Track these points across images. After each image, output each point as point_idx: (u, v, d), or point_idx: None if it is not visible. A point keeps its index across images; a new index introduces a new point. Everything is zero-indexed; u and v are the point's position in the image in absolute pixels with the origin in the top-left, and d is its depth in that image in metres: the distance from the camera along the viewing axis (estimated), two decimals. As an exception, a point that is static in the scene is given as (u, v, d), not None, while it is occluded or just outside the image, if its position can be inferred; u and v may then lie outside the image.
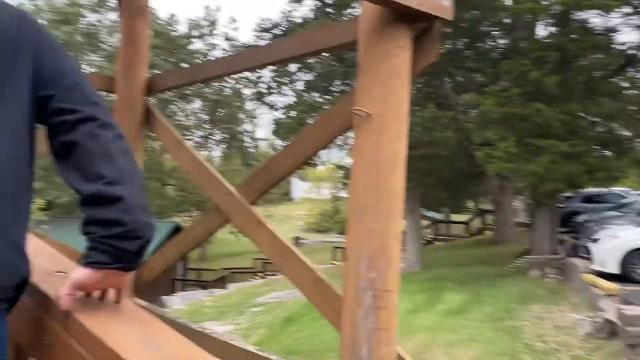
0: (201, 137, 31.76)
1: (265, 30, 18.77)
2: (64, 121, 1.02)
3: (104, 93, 4.93)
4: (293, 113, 16.55)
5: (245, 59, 3.77)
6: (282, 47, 3.47)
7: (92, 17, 27.70)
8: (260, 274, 26.12)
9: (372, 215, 2.47)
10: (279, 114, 18.71)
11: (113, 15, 25.48)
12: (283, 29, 18.11)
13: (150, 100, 4.72)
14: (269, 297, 16.38)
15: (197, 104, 29.98)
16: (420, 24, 2.58)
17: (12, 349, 1.06)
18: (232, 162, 34.92)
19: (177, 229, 23.31)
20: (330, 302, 2.78)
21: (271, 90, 19.51)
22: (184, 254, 4.24)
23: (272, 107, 19.58)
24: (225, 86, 28.45)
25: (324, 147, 3.16)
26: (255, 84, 20.58)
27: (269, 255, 3.30)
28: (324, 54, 13.26)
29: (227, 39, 27.62)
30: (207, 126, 31.17)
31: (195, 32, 27.65)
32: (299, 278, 3.08)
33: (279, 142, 22.34)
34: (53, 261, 1.12)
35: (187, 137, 30.87)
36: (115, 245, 0.95)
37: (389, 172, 2.48)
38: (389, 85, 2.49)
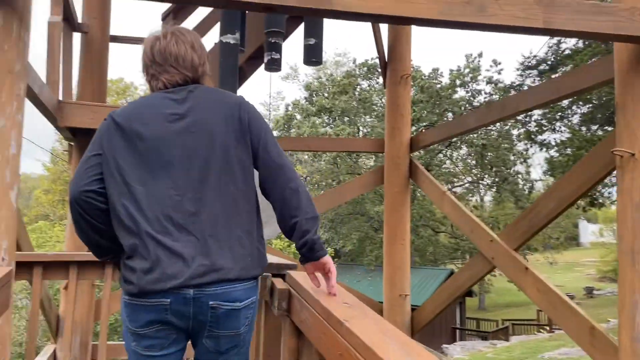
0: (470, 182, 31.61)
1: (530, 67, 18.09)
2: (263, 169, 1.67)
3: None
4: (568, 150, 15.32)
5: (500, 108, 3.91)
6: (534, 93, 3.51)
7: (364, 84, 30.97)
8: (545, 328, 23.98)
9: (646, 260, 2.30)
10: (552, 152, 17.51)
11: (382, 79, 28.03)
12: (550, 63, 17.18)
13: (417, 154, 5.19)
14: (556, 352, 14.96)
15: (463, 150, 30.14)
16: (687, 52, 2.37)
17: (318, 358, 1.47)
18: (505, 206, 33.55)
19: (451, 276, 23.43)
20: (607, 353, 2.63)
21: (543, 128, 18.47)
22: (454, 300, 4.45)
23: (544, 145, 18.45)
24: (491, 129, 28.02)
25: (589, 190, 3.04)
26: (524, 123, 19.79)
27: (537, 303, 3.27)
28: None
29: (490, 82, 27.39)
30: (475, 171, 30.93)
31: (457, 82, 28.24)
32: (571, 327, 2.98)
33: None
34: (342, 296, 1.52)
35: (456, 184, 31.19)
36: (308, 252, 1.60)
37: (662, 214, 2.30)
38: (654, 122, 2.34)
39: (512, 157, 29.86)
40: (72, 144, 4.91)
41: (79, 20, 4.84)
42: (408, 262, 5.13)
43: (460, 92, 29.06)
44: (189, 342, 1.69)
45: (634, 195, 2.38)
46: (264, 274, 1.85)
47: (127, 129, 1.61)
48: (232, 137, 1.63)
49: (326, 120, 30.84)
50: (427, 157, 28.30)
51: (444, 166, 29.53)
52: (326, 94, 31.40)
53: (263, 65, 4.08)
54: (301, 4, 2.03)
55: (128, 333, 1.63)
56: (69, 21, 4.53)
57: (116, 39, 5.39)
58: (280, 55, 3.73)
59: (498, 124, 27.24)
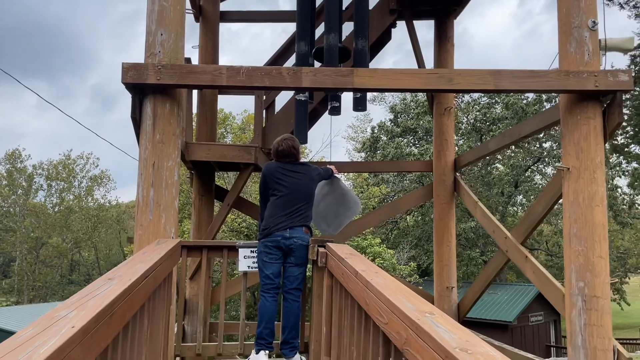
0: (563, 198, 30.85)
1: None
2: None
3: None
4: (651, 162, 15.19)
5: (509, 135, 4.99)
6: (529, 123, 4.59)
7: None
8: (647, 346, 22.93)
9: (576, 240, 3.38)
10: (635, 164, 17.30)
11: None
12: (633, 76, 17.11)
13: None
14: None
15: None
16: (608, 97, 3.43)
17: (340, 286, 2.77)
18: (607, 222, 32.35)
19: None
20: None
21: (628, 141, 18.28)
22: (485, 287, 5.48)
23: (631, 157, 18.21)
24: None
25: (559, 198, 4.04)
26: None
27: (532, 280, 4.33)
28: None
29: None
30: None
31: (544, 96, 28.10)
32: (552, 295, 4.03)
33: (649, 196, 20.13)
34: (351, 251, 2.82)
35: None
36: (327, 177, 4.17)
37: (587, 208, 3.37)
38: (581, 145, 3.44)
39: (607, 172, 28.88)
40: (193, 172, 6.60)
41: (197, 81, 6.55)
42: (454, 260, 6.23)
43: (548, 106, 28.80)
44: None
45: (570, 196, 3.45)
46: (312, 245, 3.21)
47: (271, 173, 3.82)
48: (309, 181, 3.82)
49: (411, 141, 31.72)
50: (514, 174, 28.27)
51: (533, 182, 29.24)
52: (411, 115, 32.31)
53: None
54: (336, 85, 3.41)
55: (261, 251, 3.69)
56: (190, 83, 6.22)
57: (223, 91, 7.07)
58: (340, 103, 5.11)
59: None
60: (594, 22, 3.52)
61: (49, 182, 45.15)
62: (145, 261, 2.36)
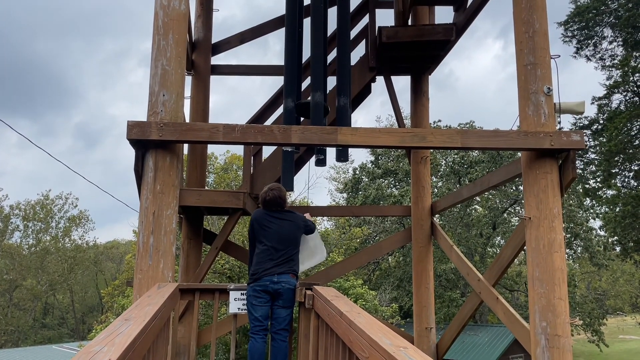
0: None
1: (584, 127, 18.97)
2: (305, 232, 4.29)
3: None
4: (619, 206, 15.88)
5: (479, 183, 5.41)
6: (497, 174, 5.02)
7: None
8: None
9: (539, 283, 3.73)
10: (605, 208, 17.99)
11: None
12: (601, 123, 18.03)
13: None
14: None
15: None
16: (562, 154, 3.87)
17: (325, 327, 3.06)
18: (583, 263, 32.94)
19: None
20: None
21: (599, 185, 19.03)
22: (463, 326, 5.78)
23: (600, 201, 18.93)
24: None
25: (524, 245, 4.42)
26: (581, 180, 20.36)
27: (502, 320, 4.65)
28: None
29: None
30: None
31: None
32: (519, 334, 4.35)
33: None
34: (335, 292, 3.13)
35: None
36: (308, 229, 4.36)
37: (547, 254, 3.74)
38: (540, 197, 3.83)
39: (580, 213, 29.70)
40: (182, 216, 6.87)
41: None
42: (432, 302, 6.53)
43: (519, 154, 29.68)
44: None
45: (532, 242, 3.82)
46: (300, 287, 3.51)
47: (259, 221, 4.08)
48: (295, 228, 4.06)
49: (392, 182, 32.32)
50: (491, 216, 28.90)
51: (510, 224, 29.84)
52: (391, 157, 33.01)
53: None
54: (321, 141, 3.78)
55: (250, 295, 3.93)
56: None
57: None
58: (325, 156, 5.50)
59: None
60: (549, 88, 3.99)
61: (25, 222, 44.40)
62: (152, 304, 2.63)
